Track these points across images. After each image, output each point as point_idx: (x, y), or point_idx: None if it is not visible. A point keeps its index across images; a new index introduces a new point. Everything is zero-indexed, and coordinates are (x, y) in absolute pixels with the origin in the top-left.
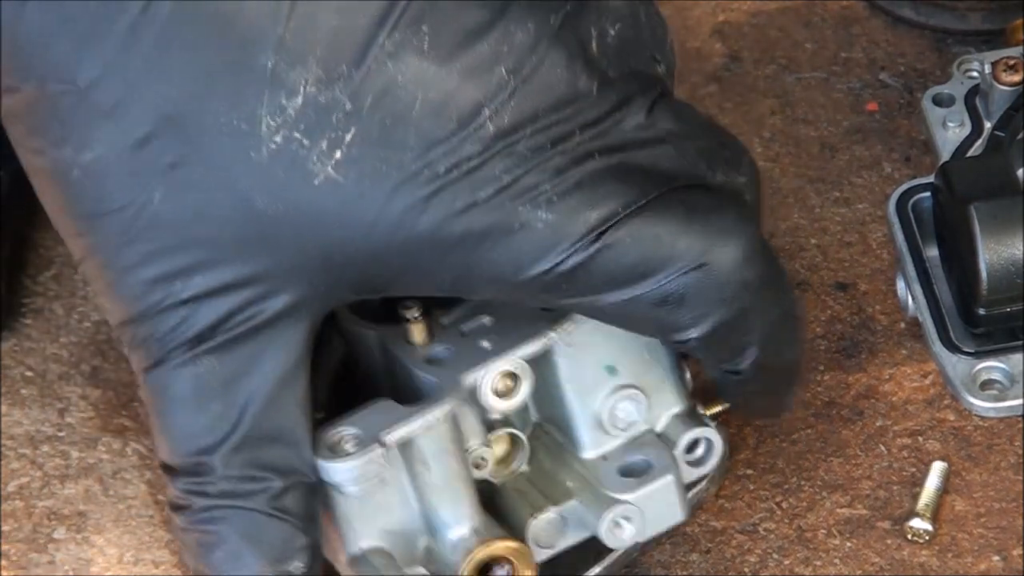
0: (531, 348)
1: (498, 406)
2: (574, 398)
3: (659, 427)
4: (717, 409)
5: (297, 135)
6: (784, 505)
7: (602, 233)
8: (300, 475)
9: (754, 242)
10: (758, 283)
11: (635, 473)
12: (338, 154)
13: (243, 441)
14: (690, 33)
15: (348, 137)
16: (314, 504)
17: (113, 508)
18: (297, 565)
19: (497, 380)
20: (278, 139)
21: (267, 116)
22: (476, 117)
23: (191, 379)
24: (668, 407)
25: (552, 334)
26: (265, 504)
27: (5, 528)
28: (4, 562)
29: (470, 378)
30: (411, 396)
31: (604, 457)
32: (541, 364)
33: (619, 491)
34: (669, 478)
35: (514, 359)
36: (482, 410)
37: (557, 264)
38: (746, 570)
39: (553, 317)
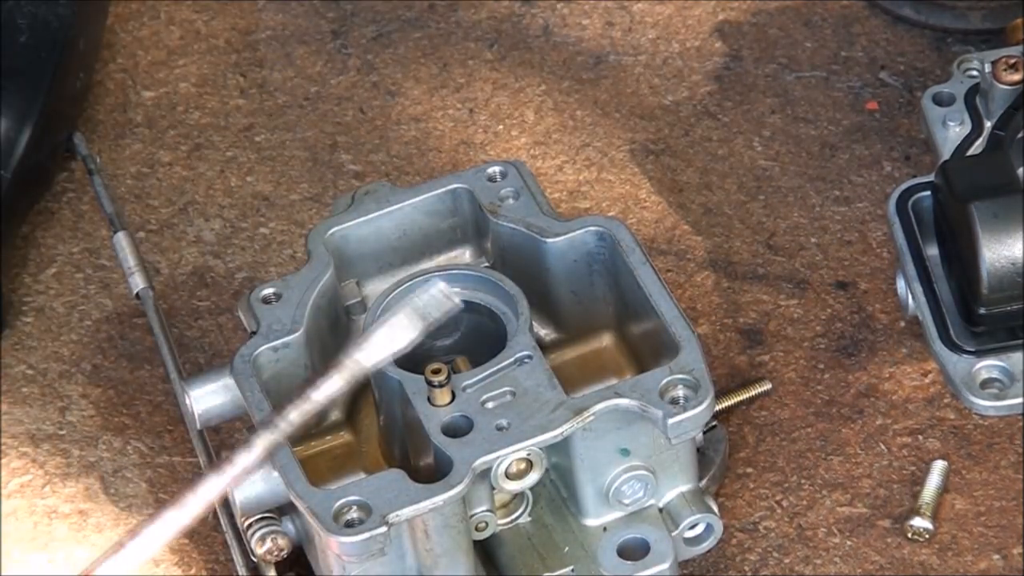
0: (549, 438)
1: (508, 487)
2: (584, 473)
3: (664, 502)
4: (755, 392)
5: None
6: (784, 504)
7: None
8: None
9: None
10: None
11: (633, 554)
12: None
13: None
14: (690, 32)
15: None
16: None
17: (114, 507)
18: None
19: (512, 465)
20: None
21: None
22: None
23: None
24: (676, 485)
25: (571, 426)
26: None
27: (5, 527)
28: (4, 561)
29: (485, 461)
30: (422, 450)
31: (604, 527)
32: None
33: (615, 571)
34: (664, 567)
35: (531, 447)
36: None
37: None
38: (746, 568)
39: (575, 406)
